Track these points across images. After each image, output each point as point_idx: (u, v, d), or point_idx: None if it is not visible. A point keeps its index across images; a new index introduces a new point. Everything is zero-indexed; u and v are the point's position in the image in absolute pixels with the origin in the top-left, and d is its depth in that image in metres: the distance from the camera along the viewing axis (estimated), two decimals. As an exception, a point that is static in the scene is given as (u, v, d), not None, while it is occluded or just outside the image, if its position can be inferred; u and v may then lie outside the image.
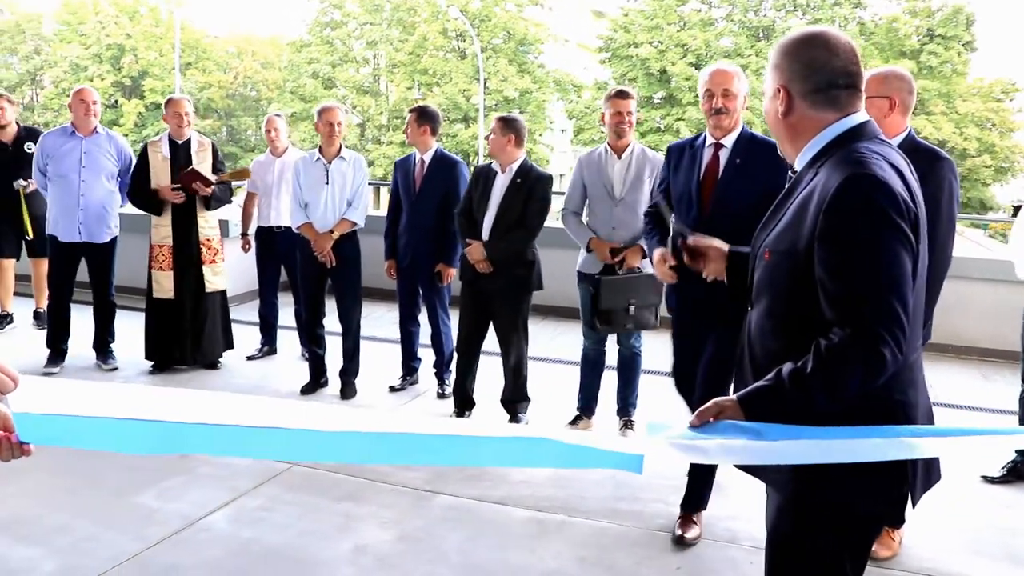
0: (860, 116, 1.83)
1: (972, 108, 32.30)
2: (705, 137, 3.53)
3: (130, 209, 5.97)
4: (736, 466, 1.97)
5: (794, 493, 1.84)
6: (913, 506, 1.84)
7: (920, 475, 1.81)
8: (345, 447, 1.48)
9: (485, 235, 4.67)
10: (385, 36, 37.86)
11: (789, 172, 1.96)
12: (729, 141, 3.46)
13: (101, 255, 5.79)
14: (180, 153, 5.67)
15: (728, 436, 1.66)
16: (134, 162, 5.83)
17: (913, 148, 3.15)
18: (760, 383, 1.76)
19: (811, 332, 1.71)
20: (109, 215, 5.77)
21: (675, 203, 3.55)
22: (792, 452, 1.64)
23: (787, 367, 1.71)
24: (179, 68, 37.28)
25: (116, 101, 38.24)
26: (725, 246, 2.34)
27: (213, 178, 5.60)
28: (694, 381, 3.50)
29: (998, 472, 4.24)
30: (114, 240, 5.84)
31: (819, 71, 1.80)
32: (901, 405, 1.78)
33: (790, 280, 1.78)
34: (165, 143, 5.69)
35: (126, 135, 36.65)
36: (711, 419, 1.75)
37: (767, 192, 3.01)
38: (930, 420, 1.89)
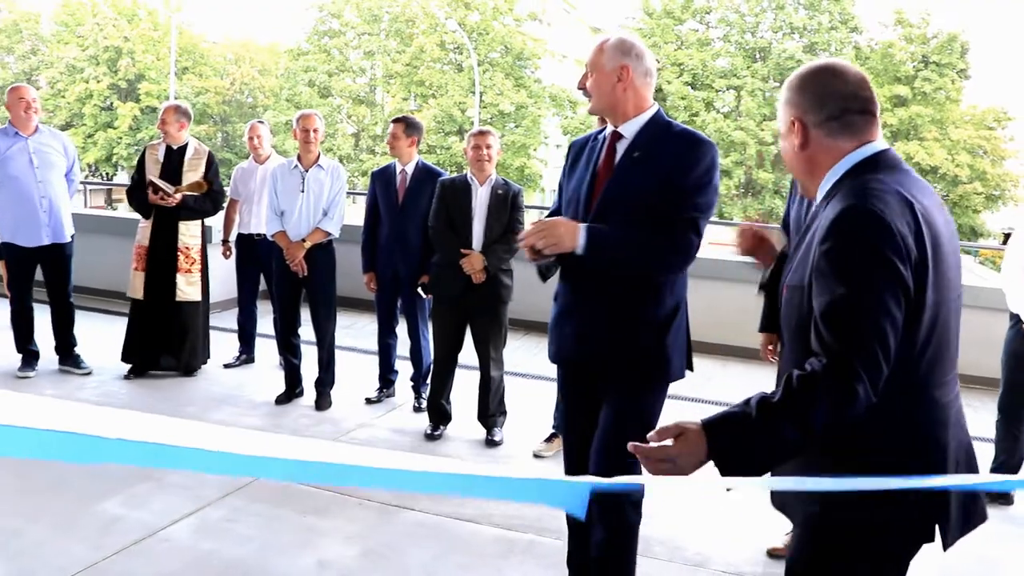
0: (877, 145, 1.79)
1: (964, 135, 32.44)
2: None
3: (78, 208, 5.93)
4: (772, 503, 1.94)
5: (819, 526, 1.78)
6: (944, 548, 1.73)
7: (956, 514, 1.73)
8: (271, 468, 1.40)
9: (477, 246, 4.66)
10: (383, 47, 37.87)
11: (813, 207, 1.89)
12: (630, 130, 2.69)
13: (62, 257, 5.69)
14: (172, 158, 5.64)
15: None
16: (77, 161, 5.81)
17: None
18: (727, 409, 1.70)
19: None
20: (67, 213, 5.70)
21: (564, 209, 2.84)
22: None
23: (756, 395, 1.67)
24: (175, 72, 37.24)
25: (112, 104, 38.14)
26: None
27: (171, 189, 5.51)
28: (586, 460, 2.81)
29: None
30: (72, 239, 5.75)
31: (830, 98, 1.78)
32: (928, 441, 1.72)
33: (799, 315, 1.75)
34: (162, 147, 5.68)
35: (120, 138, 36.72)
36: (670, 440, 1.68)
37: (666, 188, 2.58)
38: (968, 460, 1.80)
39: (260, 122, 6.29)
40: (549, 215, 2.89)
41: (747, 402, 1.67)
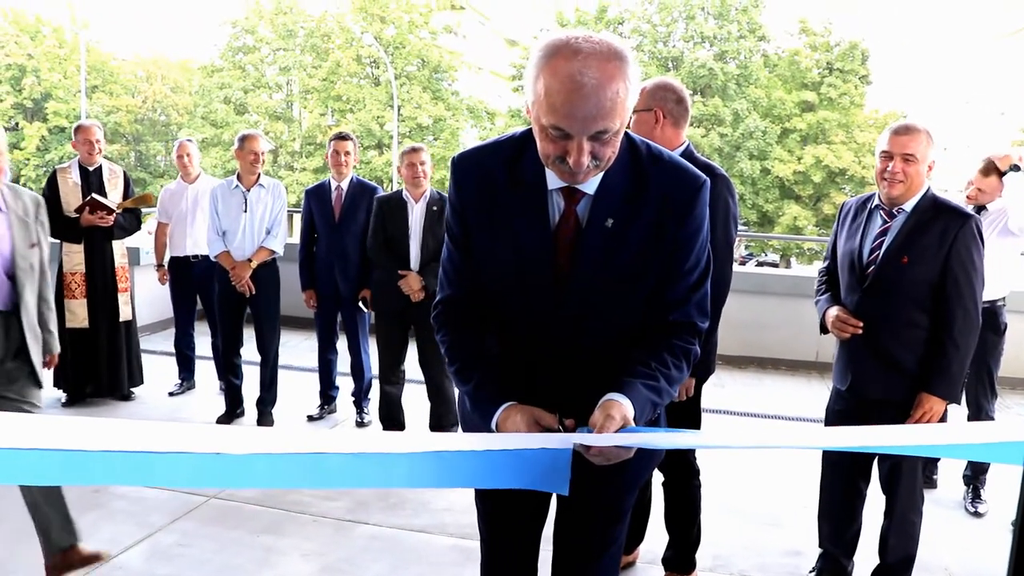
0: None
1: (869, 138, 33.62)
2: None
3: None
4: None
5: None
6: None
7: None
8: (251, 471, 1.42)
9: (414, 265, 4.71)
10: (298, 62, 37.50)
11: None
12: (592, 186, 1.75)
13: None
14: (91, 180, 5.51)
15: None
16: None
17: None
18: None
19: None
20: None
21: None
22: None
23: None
24: (85, 91, 36.25)
25: (17, 124, 36.88)
26: None
27: (114, 205, 5.44)
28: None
29: None
30: None
31: None
32: None
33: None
34: (75, 169, 5.52)
35: (27, 159, 35.52)
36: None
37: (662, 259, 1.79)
38: None
39: (189, 140, 6.09)
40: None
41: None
